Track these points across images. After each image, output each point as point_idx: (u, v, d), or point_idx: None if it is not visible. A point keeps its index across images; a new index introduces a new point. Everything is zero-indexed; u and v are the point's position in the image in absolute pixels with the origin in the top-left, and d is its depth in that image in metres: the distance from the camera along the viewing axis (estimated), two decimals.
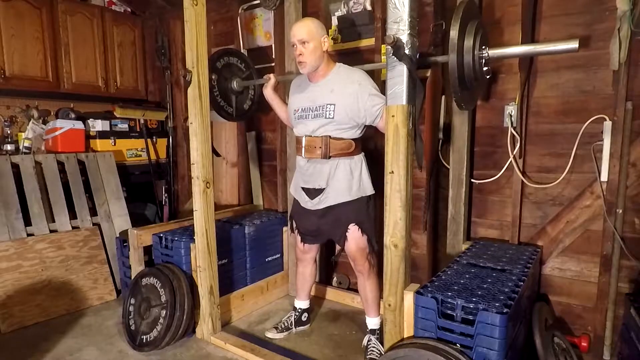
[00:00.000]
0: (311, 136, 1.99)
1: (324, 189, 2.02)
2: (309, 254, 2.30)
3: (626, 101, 1.84)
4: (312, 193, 2.07)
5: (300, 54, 1.92)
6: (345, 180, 1.98)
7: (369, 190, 2.03)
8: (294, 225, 2.25)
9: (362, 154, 2.05)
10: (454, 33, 1.50)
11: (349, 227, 2.02)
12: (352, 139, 1.98)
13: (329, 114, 1.93)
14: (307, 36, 1.89)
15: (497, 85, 2.19)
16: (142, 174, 3.62)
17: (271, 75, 2.30)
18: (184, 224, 2.68)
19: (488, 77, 1.68)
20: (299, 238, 2.25)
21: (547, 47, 1.52)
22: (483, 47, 1.59)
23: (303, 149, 2.03)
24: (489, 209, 2.29)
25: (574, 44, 1.41)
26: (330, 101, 1.93)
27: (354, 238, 2.02)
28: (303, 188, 2.11)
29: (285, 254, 2.88)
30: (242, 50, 3.17)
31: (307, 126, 2.02)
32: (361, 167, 2.02)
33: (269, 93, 2.31)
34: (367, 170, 2.04)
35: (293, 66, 2.61)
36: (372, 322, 2.13)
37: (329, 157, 1.96)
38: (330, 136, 1.95)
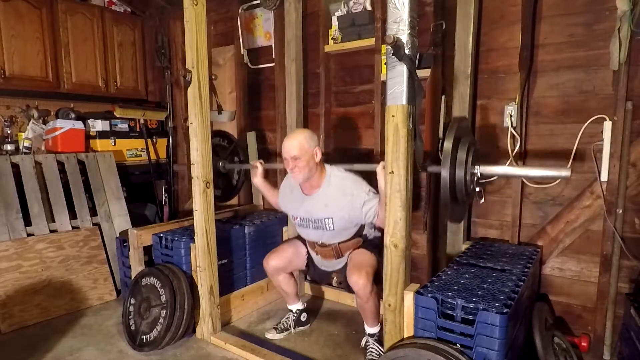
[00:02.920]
0: (321, 247, 2.14)
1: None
2: (276, 267, 2.24)
3: (626, 101, 1.84)
4: (331, 267, 2.23)
5: (293, 169, 1.94)
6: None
7: (375, 235, 2.16)
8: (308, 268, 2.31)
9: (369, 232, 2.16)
10: (448, 145, 1.53)
11: (353, 250, 2.08)
12: (358, 232, 2.10)
13: (329, 227, 2.02)
14: (299, 152, 1.91)
15: (497, 85, 2.19)
16: (142, 174, 3.62)
17: (258, 164, 2.30)
18: (184, 224, 2.68)
19: (482, 200, 1.68)
20: (280, 259, 2.22)
21: (538, 172, 1.55)
22: (475, 164, 1.61)
23: (318, 253, 2.18)
24: (489, 209, 2.29)
25: (566, 172, 1.41)
26: (327, 215, 2.00)
27: (359, 253, 2.03)
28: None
29: None
30: (242, 50, 3.17)
31: (311, 235, 2.14)
32: (371, 235, 2.16)
33: (258, 182, 2.33)
34: (375, 231, 2.15)
35: (293, 67, 2.61)
36: (371, 329, 2.11)
37: (343, 255, 2.12)
38: (339, 243, 2.09)
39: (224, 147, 2.64)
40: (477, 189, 1.63)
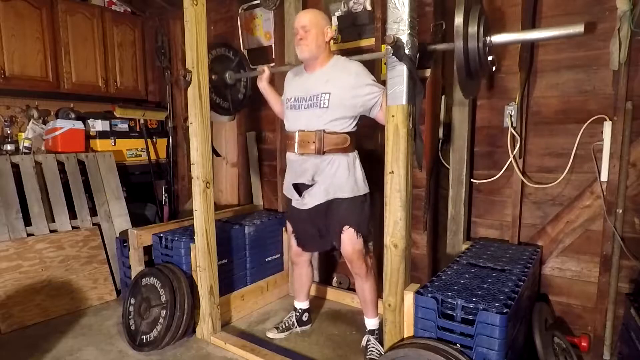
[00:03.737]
0: (304, 131, 1.95)
1: (312, 184, 1.99)
2: (303, 256, 2.28)
3: (626, 101, 1.84)
4: (301, 189, 2.05)
5: (301, 38, 1.91)
6: (342, 178, 1.95)
7: (362, 189, 2.01)
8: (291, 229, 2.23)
9: (356, 151, 2.02)
10: (459, 19, 1.46)
11: (343, 229, 1.99)
12: (347, 133, 1.94)
13: (324, 103, 1.90)
14: (310, 23, 1.89)
15: (497, 85, 2.19)
16: (142, 174, 3.62)
17: (265, 67, 2.28)
18: (184, 224, 2.68)
19: (494, 67, 1.63)
20: (294, 241, 2.23)
21: (550, 32, 1.45)
22: (486, 34, 1.55)
23: (296, 144, 1.98)
24: (489, 209, 2.29)
25: (579, 28, 1.35)
26: (326, 90, 1.91)
27: (350, 240, 1.99)
28: (294, 185, 2.08)
29: (285, 254, 2.87)
30: (242, 50, 3.17)
31: (300, 118, 1.98)
32: (355, 164, 1.99)
33: (264, 86, 2.29)
34: (361, 168, 2.02)
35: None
36: (371, 323, 2.13)
37: (323, 153, 1.93)
38: (324, 130, 1.91)
39: (230, 59, 2.58)
40: (490, 58, 1.58)
